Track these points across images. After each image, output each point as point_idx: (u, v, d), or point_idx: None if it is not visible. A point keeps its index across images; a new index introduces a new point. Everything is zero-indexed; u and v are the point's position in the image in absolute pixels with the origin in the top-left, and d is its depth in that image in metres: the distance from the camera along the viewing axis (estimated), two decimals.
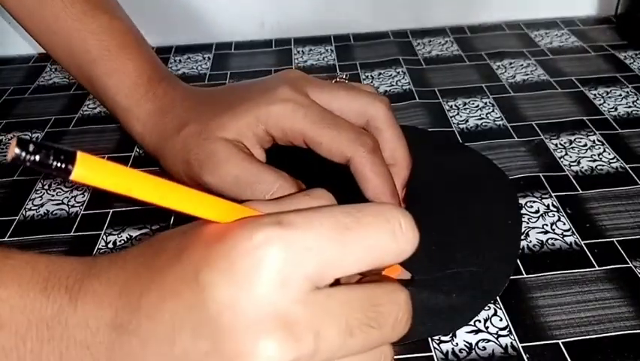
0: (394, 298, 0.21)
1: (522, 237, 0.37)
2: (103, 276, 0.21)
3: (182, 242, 0.21)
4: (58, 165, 0.17)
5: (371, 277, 0.24)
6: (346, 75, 0.41)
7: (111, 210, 0.41)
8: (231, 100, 0.37)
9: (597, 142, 0.46)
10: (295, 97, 0.35)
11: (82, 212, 0.41)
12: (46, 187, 0.44)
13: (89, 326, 0.20)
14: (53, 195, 0.43)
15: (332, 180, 0.37)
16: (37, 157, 0.16)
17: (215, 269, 0.19)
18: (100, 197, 0.43)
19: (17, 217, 0.41)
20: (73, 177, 0.17)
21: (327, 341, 0.19)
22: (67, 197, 0.43)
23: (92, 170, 0.17)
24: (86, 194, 0.43)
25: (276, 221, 0.20)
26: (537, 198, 0.40)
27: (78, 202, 0.42)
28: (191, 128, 0.37)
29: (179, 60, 0.63)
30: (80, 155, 0.17)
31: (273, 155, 0.37)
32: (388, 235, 0.21)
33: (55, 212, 0.42)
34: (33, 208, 0.42)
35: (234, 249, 0.19)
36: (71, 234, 0.40)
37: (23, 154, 0.16)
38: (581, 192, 0.41)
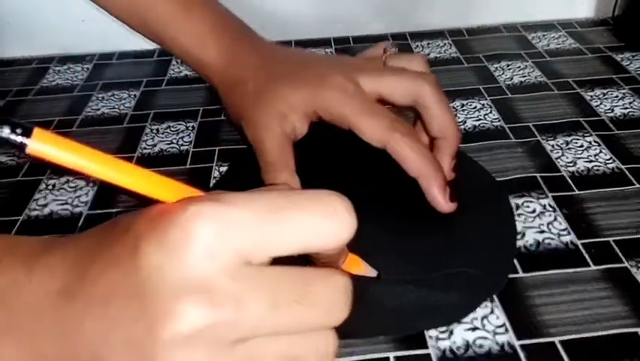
0: (329, 281, 0.22)
1: (519, 237, 0.38)
2: (58, 252, 0.23)
3: (132, 219, 0.22)
4: (15, 138, 0.18)
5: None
6: (396, 47, 0.43)
7: (115, 210, 0.42)
8: (290, 73, 0.41)
9: (594, 143, 0.46)
10: (344, 85, 0.38)
11: (86, 212, 0.42)
12: (50, 187, 0.45)
13: (39, 293, 0.21)
14: (57, 196, 0.44)
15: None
16: None
17: (152, 239, 0.20)
18: (104, 197, 0.43)
19: (21, 217, 0.42)
20: (29, 150, 0.19)
21: (250, 311, 0.20)
22: (72, 197, 0.43)
23: (47, 145, 0.19)
24: (89, 194, 0.44)
25: (213, 198, 0.21)
26: (534, 198, 0.41)
27: (82, 202, 0.43)
28: (248, 87, 0.41)
29: (181, 61, 0.64)
30: (36, 130, 0.18)
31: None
32: (321, 217, 0.21)
33: (59, 212, 0.42)
34: (37, 208, 0.43)
35: (170, 220, 0.20)
36: (75, 234, 0.40)
37: None
38: (577, 192, 0.41)
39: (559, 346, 0.31)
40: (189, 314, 0.19)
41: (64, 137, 0.20)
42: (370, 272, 0.33)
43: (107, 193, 0.43)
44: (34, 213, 0.42)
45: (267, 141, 0.39)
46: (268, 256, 0.21)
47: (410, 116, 0.41)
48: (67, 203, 0.43)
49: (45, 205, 0.43)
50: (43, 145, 0.19)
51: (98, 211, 0.42)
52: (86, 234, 0.24)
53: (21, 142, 0.18)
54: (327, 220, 0.21)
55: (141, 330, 0.20)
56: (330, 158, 0.42)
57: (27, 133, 0.18)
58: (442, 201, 0.36)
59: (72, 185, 0.45)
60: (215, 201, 0.20)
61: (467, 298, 0.33)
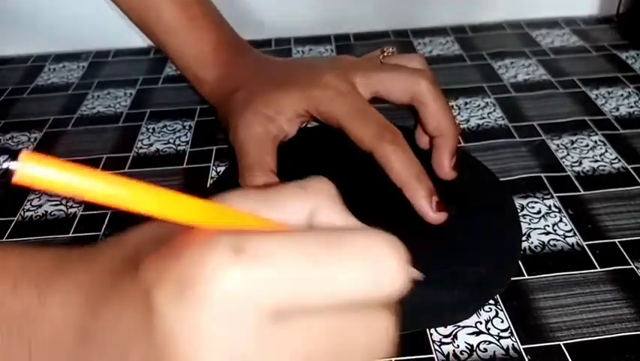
0: (368, 336, 0.20)
1: (524, 238, 0.37)
2: (72, 276, 0.21)
3: (144, 249, 0.20)
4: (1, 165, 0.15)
5: None
6: (392, 49, 0.43)
7: (109, 212, 0.41)
8: (281, 78, 0.41)
9: (599, 142, 0.46)
10: (337, 85, 0.38)
11: (80, 213, 0.41)
12: None
13: (54, 325, 0.20)
14: (52, 196, 0.43)
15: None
16: None
17: (166, 292, 0.18)
18: None
19: (16, 218, 0.41)
20: (16, 178, 0.15)
21: None
22: (66, 198, 0.43)
23: (38, 170, 0.15)
24: None
25: (235, 248, 0.18)
26: (539, 198, 0.40)
27: (76, 203, 0.42)
28: (239, 94, 0.41)
29: None
30: (23, 153, 0.15)
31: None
32: (364, 275, 0.18)
33: (53, 213, 0.41)
34: (31, 209, 0.42)
35: (185, 272, 0.18)
36: (70, 235, 0.39)
37: None
38: (582, 192, 0.41)
39: (564, 350, 0.30)
40: None
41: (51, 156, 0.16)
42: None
43: None
44: (29, 213, 0.41)
45: (245, 143, 0.38)
46: (298, 313, 0.18)
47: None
48: (61, 204, 0.42)
49: (40, 206, 0.42)
50: (34, 171, 0.15)
51: (93, 212, 0.41)
52: (99, 254, 0.22)
53: (7, 168, 0.15)
54: (373, 279, 0.18)
55: None
56: (329, 156, 0.42)
57: (13, 158, 0.15)
58: (428, 212, 0.35)
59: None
60: (236, 254, 0.17)
61: (471, 298, 0.33)
